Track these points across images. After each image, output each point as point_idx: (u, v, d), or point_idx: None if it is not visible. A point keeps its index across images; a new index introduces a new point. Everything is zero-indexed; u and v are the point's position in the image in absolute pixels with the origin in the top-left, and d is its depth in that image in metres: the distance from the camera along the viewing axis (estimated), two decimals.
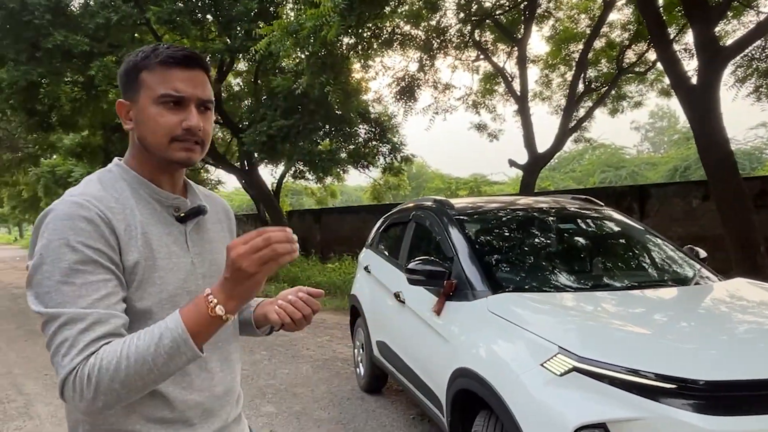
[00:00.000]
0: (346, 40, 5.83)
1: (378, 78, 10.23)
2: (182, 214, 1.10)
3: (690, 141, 28.41)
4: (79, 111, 11.44)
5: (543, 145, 10.73)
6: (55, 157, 19.03)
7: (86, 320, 0.89)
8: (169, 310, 1.00)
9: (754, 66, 8.17)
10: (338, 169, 13.59)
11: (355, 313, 4.85)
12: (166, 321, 0.91)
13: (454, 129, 15.39)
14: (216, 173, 22.12)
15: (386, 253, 4.43)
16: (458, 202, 3.72)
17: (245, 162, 13.45)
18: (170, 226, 1.09)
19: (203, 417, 1.08)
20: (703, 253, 3.41)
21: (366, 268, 4.63)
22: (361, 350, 4.72)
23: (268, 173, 28.79)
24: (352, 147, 12.48)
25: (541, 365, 2.09)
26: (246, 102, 13.42)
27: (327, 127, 10.90)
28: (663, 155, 31.58)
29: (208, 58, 11.90)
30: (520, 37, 10.46)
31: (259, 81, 12.78)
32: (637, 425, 1.85)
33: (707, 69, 5.37)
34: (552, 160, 14.11)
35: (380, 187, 15.93)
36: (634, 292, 2.78)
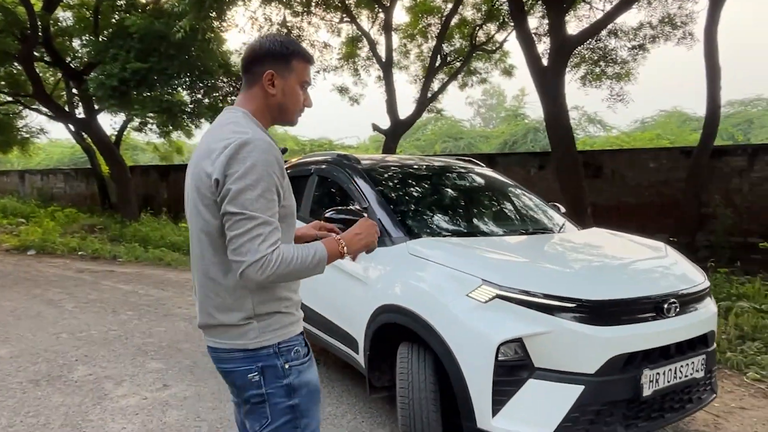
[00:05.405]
0: None
1: (244, 31, 9.69)
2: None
3: (517, 119, 31.88)
4: None
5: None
6: None
7: (273, 225, 1.34)
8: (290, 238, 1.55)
9: (585, 55, 9.54)
10: (192, 124, 12.78)
11: None
12: (316, 246, 1.42)
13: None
14: (37, 120, 18.95)
15: None
16: (362, 158, 3.92)
17: (84, 108, 11.92)
18: None
19: (297, 308, 1.60)
20: (563, 209, 4.10)
21: None
22: None
23: (107, 124, 25.53)
24: (209, 100, 11.80)
25: (467, 295, 2.43)
26: (82, 40, 11.80)
27: (186, 75, 10.14)
28: (493, 130, 34.87)
29: None
30: (388, 4, 10.76)
31: (99, 17, 11.34)
32: (545, 338, 2.30)
33: (558, 53, 6.20)
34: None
35: None
36: (524, 236, 3.30)
